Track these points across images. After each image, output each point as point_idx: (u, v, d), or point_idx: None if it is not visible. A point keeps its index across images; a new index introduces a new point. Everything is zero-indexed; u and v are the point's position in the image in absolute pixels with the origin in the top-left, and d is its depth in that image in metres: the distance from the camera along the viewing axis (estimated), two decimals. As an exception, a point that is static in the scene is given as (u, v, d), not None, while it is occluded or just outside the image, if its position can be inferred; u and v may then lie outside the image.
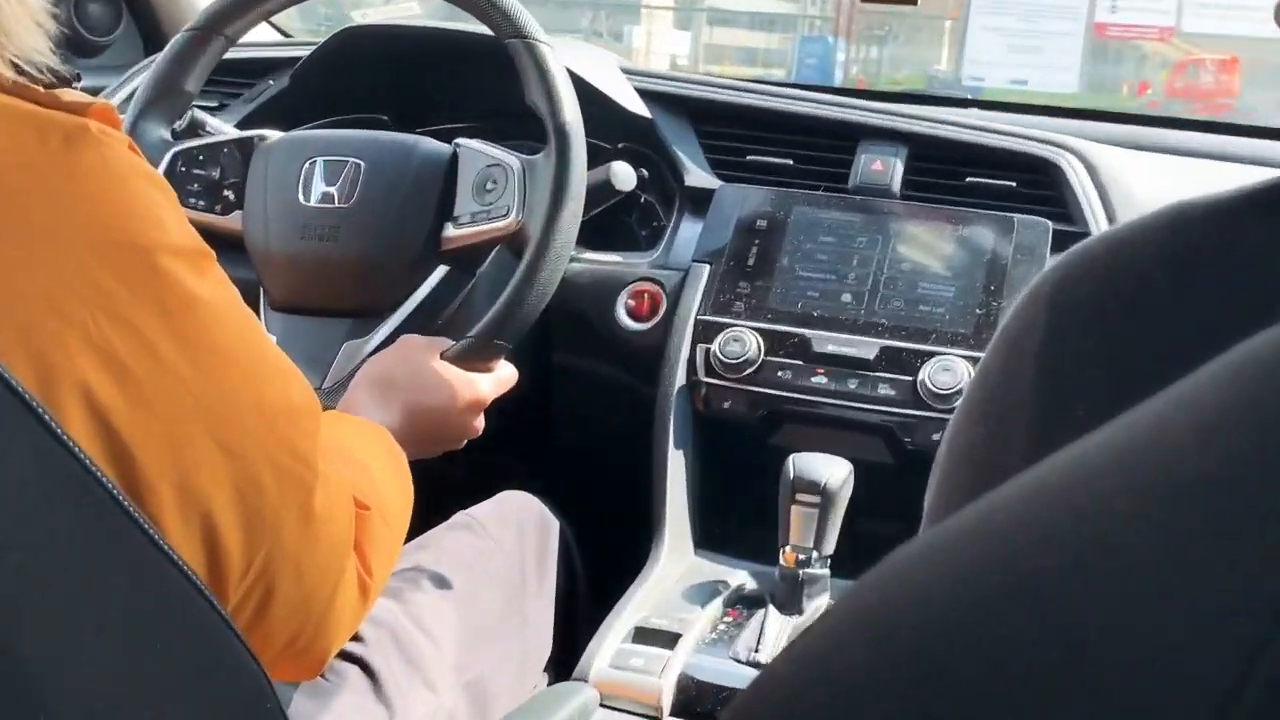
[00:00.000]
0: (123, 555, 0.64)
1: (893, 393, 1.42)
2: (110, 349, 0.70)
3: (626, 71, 1.70)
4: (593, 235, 1.55)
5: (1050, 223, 1.50)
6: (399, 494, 1.06)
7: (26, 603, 0.60)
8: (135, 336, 0.71)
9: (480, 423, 1.31)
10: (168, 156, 1.47)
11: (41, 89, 0.72)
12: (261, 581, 0.80)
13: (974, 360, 1.39)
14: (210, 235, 0.80)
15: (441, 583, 1.23)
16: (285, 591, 0.82)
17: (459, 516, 1.34)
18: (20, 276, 0.67)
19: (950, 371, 1.39)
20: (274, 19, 1.58)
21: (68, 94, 0.73)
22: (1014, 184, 1.56)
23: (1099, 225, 1.51)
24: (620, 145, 1.66)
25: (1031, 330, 0.51)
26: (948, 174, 1.59)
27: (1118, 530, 0.29)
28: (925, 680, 0.30)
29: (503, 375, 1.35)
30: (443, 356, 1.30)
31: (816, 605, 1.31)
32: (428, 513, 1.18)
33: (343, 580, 0.88)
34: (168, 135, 1.48)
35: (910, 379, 1.41)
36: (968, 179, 1.57)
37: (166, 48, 1.49)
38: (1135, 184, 1.56)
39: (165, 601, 0.67)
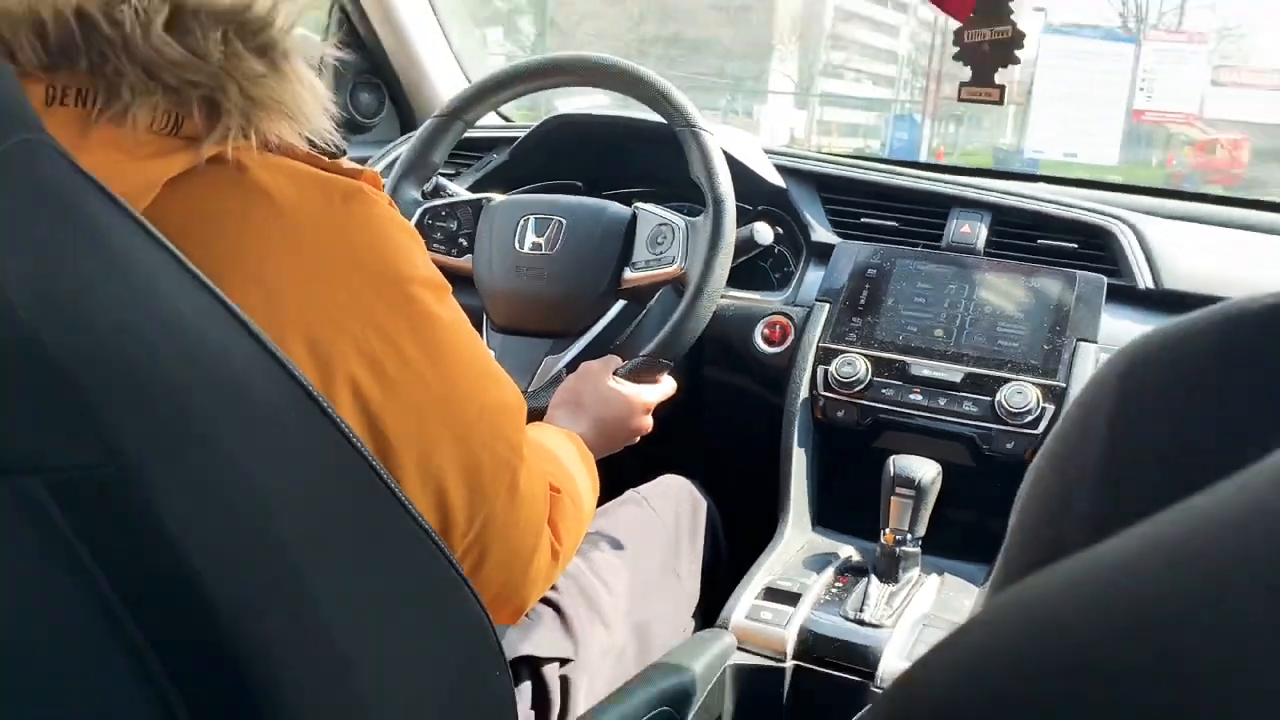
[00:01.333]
0: (379, 511, 0.64)
1: (974, 409, 1.39)
2: (373, 354, 0.70)
3: (766, 150, 1.69)
4: (738, 278, 1.53)
5: (1105, 278, 1.45)
6: (586, 484, 1.06)
7: (316, 547, 0.60)
8: (391, 345, 0.71)
9: (649, 423, 1.31)
10: (418, 212, 1.49)
11: (326, 158, 0.73)
12: (479, 543, 0.80)
13: (1041, 386, 1.36)
14: (449, 273, 0.80)
15: (616, 545, 1.24)
16: (496, 552, 0.82)
17: (630, 493, 1.34)
18: (307, 297, 0.68)
19: (1022, 394, 1.36)
20: (500, 109, 1.59)
21: (345, 163, 0.74)
22: (1076, 246, 1.53)
23: (1145, 280, 1.47)
24: (760, 208, 1.65)
25: (1102, 405, 0.49)
26: (1023, 237, 1.55)
27: (1225, 591, 0.27)
28: (1067, 698, 0.28)
29: (666, 387, 1.35)
30: (617, 373, 1.30)
31: (909, 576, 1.29)
32: (608, 490, 1.17)
33: (539, 546, 0.88)
34: (419, 196, 1.50)
35: (989, 399, 1.38)
36: (1039, 241, 1.54)
37: (420, 130, 1.51)
38: (1174, 248, 1.51)
39: (410, 551, 0.67)
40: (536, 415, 1.23)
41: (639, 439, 1.30)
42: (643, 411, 1.30)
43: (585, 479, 1.07)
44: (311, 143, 0.72)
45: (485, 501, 0.79)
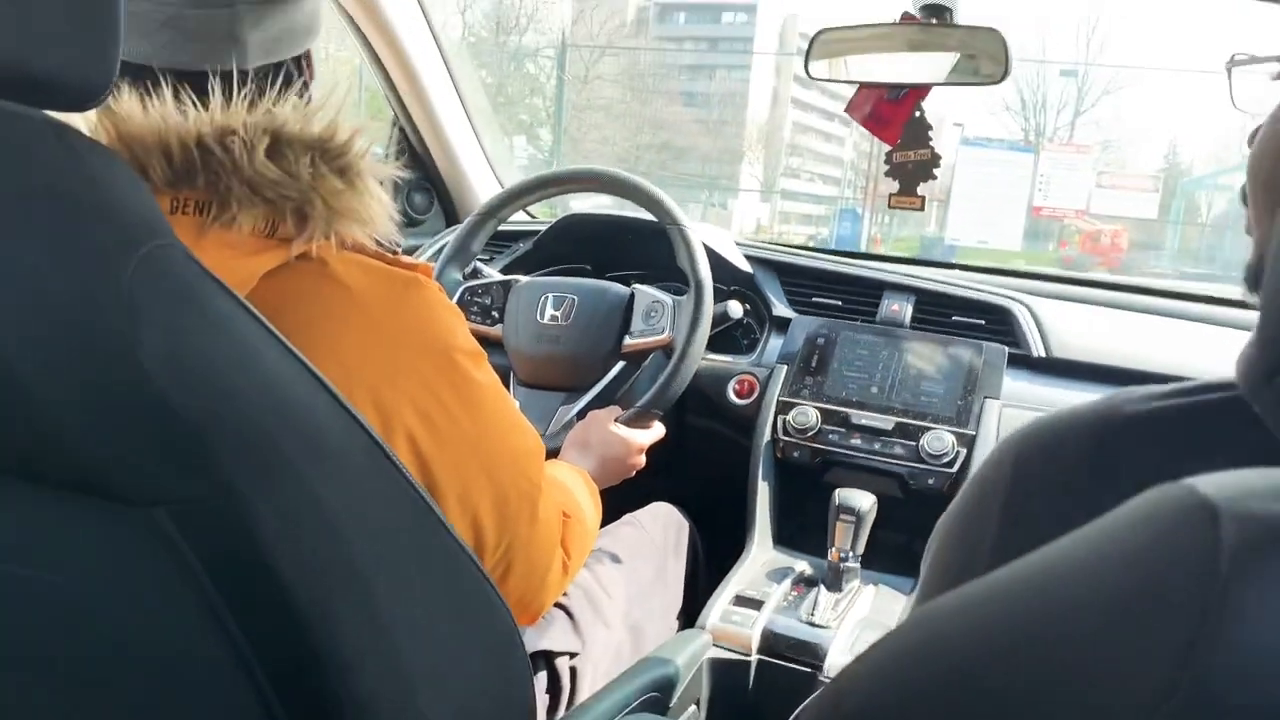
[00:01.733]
0: (428, 534, 0.65)
1: (903, 452, 1.39)
2: (425, 410, 0.71)
3: (737, 242, 1.70)
4: (714, 344, 1.54)
5: (1007, 348, 1.46)
6: (591, 509, 1.07)
7: (378, 561, 0.61)
8: (439, 403, 0.72)
9: (643, 461, 1.31)
10: (460, 290, 1.50)
11: (389, 254, 0.74)
12: (505, 559, 0.81)
13: (956, 434, 1.37)
14: (483, 339, 0.82)
15: (615, 559, 1.23)
16: (518, 566, 0.83)
17: (627, 517, 1.33)
18: (373, 364, 0.69)
19: (940, 440, 1.36)
20: (525, 208, 1.61)
21: (404, 258, 0.76)
22: (983, 321, 1.53)
23: (1039, 350, 1.47)
24: (732, 288, 1.65)
25: (998, 489, 0.49)
26: (941, 314, 1.56)
27: (1065, 613, 0.29)
28: (961, 689, 0.30)
29: (657, 431, 1.35)
30: (618, 420, 1.31)
31: (851, 586, 1.28)
32: (609, 514, 1.18)
33: (554, 562, 0.89)
34: (460, 277, 1.52)
35: (914, 443, 1.39)
36: (953, 317, 1.55)
37: (462, 225, 1.53)
38: (1062, 324, 1.52)
39: (452, 565, 0.67)
40: (553, 453, 1.24)
41: (635, 473, 1.31)
42: (638, 452, 1.31)
43: (591, 507, 1.07)
44: (378, 242, 0.74)
45: (511, 526, 0.80)
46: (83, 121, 0.67)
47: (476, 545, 0.77)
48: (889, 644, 0.34)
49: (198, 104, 0.68)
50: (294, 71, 0.77)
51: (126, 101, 0.67)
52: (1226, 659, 0.24)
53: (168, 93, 0.68)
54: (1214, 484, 0.27)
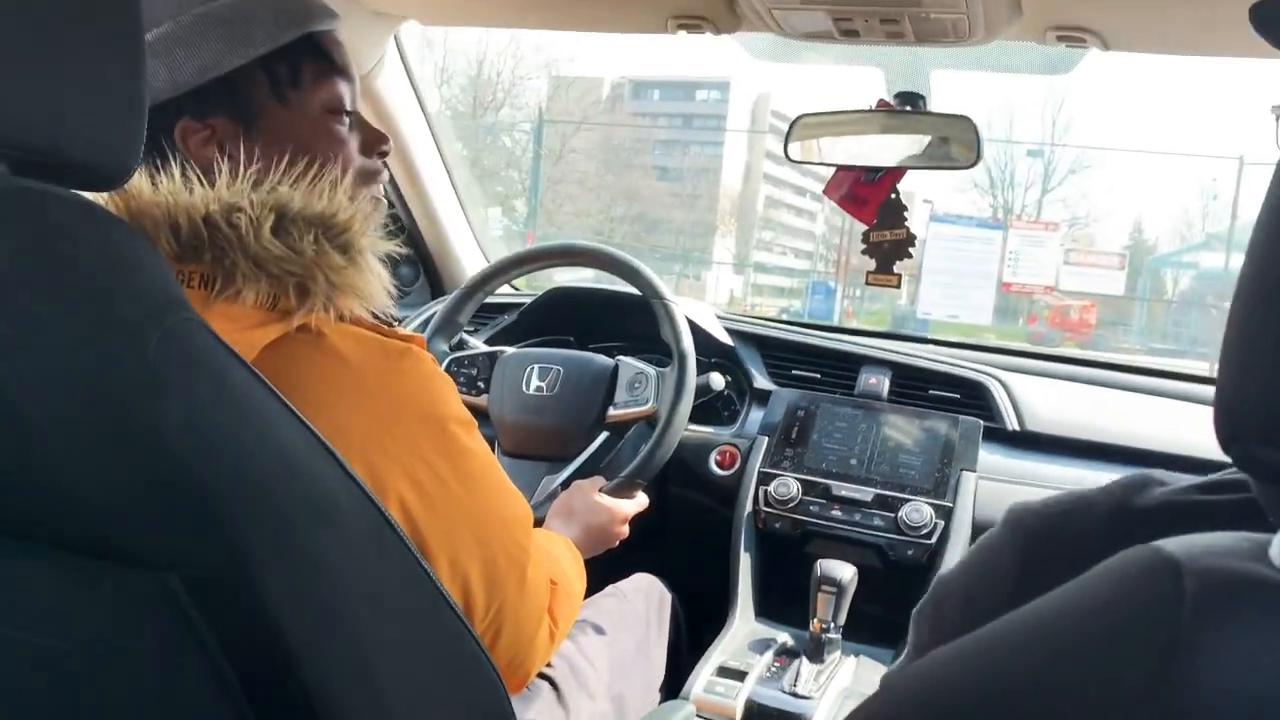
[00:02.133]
0: (428, 603, 0.66)
1: (882, 524, 1.41)
2: (417, 477, 0.73)
3: (718, 316, 1.73)
4: (696, 416, 1.55)
5: (982, 422, 1.49)
6: (576, 578, 1.07)
7: (378, 626, 0.62)
8: (432, 470, 0.74)
9: (626, 530, 1.32)
10: (446, 361, 1.52)
11: (385, 325, 0.77)
12: (495, 623, 0.82)
13: (934, 505, 1.39)
14: (469, 409, 0.83)
15: (599, 630, 1.23)
16: (508, 630, 0.83)
17: (610, 588, 1.33)
18: (368, 432, 0.71)
19: (919, 512, 1.39)
20: (511, 282, 1.64)
21: (399, 329, 0.78)
22: (959, 396, 1.56)
23: (1013, 424, 1.51)
24: (714, 360, 1.67)
25: (1008, 570, 0.51)
26: (917, 388, 1.59)
27: (1047, 662, 0.31)
28: None
29: (640, 502, 1.36)
30: (602, 490, 1.32)
31: (833, 657, 1.29)
32: (593, 584, 1.18)
33: (540, 628, 0.89)
34: (447, 349, 1.53)
35: (893, 515, 1.40)
36: (930, 391, 1.58)
37: (449, 298, 1.56)
38: (1035, 398, 1.56)
39: (446, 630, 0.68)
40: (537, 523, 1.25)
41: (618, 544, 1.32)
42: (622, 521, 1.31)
43: (576, 575, 1.08)
44: (374, 314, 0.76)
45: (500, 591, 0.80)
46: (94, 196, 0.70)
47: (467, 609, 0.78)
48: (890, 692, 0.37)
49: (203, 181, 0.71)
50: (297, 152, 0.80)
51: (136, 178, 0.70)
52: (1190, 698, 0.27)
53: (175, 169, 0.71)
54: (1177, 544, 0.30)
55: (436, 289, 1.92)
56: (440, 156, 1.80)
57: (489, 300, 1.60)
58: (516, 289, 1.91)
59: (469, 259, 1.95)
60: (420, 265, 1.92)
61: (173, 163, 0.72)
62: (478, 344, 1.59)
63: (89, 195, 0.58)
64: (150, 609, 0.55)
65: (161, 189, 0.71)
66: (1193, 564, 0.29)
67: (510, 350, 1.55)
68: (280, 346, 0.71)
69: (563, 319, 1.75)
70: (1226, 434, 0.32)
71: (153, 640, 0.56)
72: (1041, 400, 1.55)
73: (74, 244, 0.54)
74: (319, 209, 0.73)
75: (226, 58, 0.79)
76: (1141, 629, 0.29)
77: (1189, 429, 1.42)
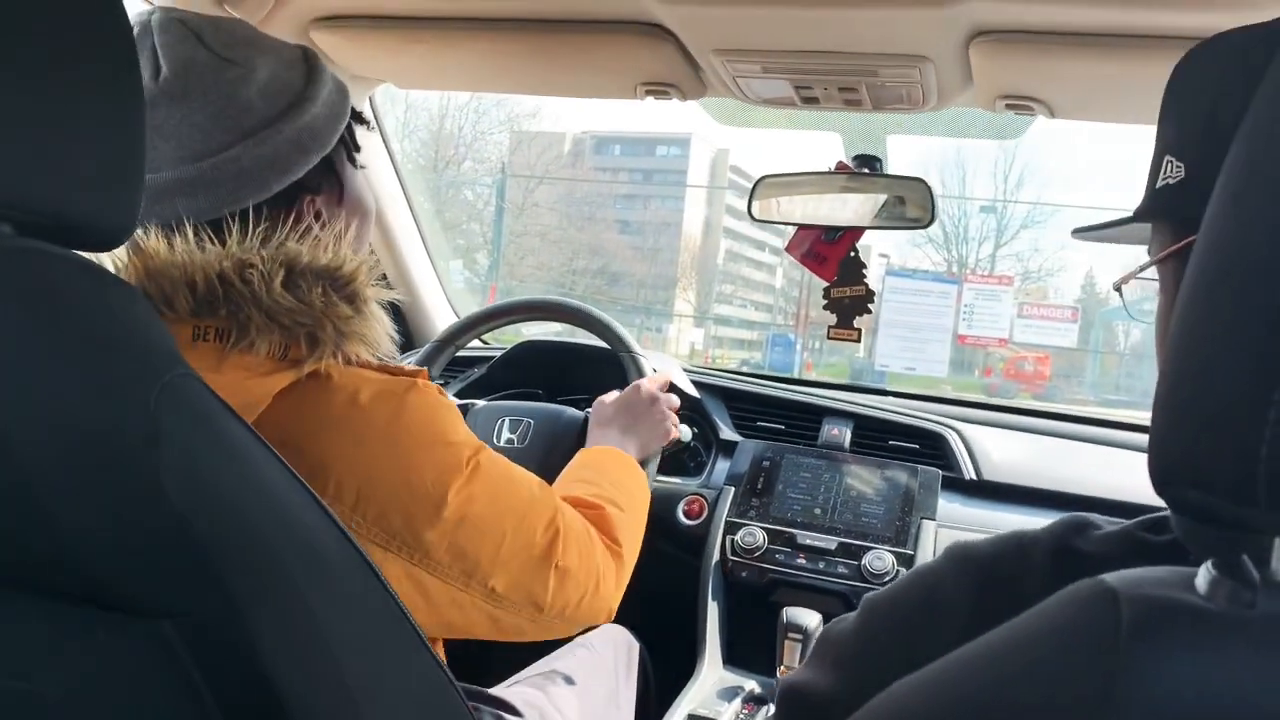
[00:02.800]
0: (410, 652, 0.68)
1: (845, 571, 1.43)
2: (438, 498, 0.78)
3: (685, 369, 1.75)
4: (664, 466, 1.57)
5: (941, 471, 1.53)
6: (630, 484, 1.12)
7: (365, 678, 0.63)
8: (458, 491, 0.79)
9: (668, 411, 1.32)
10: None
11: (392, 365, 0.81)
12: (559, 597, 0.89)
13: (895, 553, 1.42)
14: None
15: (569, 680, 1.24)
16: (571, 578, 0.89)
17: (579, 639, 1.35)
18: (385, 462, 0.75)
19: (881, 560, 1.41)
20: (482, 336, 1.66)
21: (403, 366, 0.82)
22: (918, 446, 1.60)
23: (970, 473, 1.55)
24: (681, 412, 1.69)
25: (957, 608, 0.55)
26: (878, 438, 1.62)
27: (1000, 685, 0.35)
28: None
29: (662, 379, 1.39)
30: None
31: (800, 704, 1.31)
32: (561, 639, 1.19)
33: (597, 566, 0.94)
34: (418, 402, 1.54)
35: (856, 563, 1.43)
36: (890, 442, 1.62)
37: (420, 352, 1.57)
38: (992, 448, 1.60)
39: (434, 685, 0.70)
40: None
41: (673, 435, 1.32)
42: (653, 399, 1.31)
43: (626, 480, 1.12)
44: (380, 358, 0.81)
45: (540, 587, 0.87)
46: (110, 259, 0.72)
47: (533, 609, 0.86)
48: (867, 714, 0.40)
49: (215, 240, 0.74)
50: (303, 209, 0.84)
51: (153, 240, 0.73)
52: (1130, 711, 0.30)
53: (189, 231, 0.74)
54: (1116, 576, 0.34)
55: (410, 343, 1.94)
56: (412, 213, 1.84)
57: (459, 354, 1.61)
58: (485, 343, 1.93)
59: (439, 313, 1.97)
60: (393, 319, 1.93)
61: (187, 225, 0.76)
62: (449, 397, 1.59)
63: (89, 255, 0.60)
64: (143, 655, 0.57)
65: (177, 249, 0.75)
66: (1128, 593, 0.33)
67: (481, 403, 1.56)
68: (293, 392, 0.74)
69: (532, 372, 1.76)
70: (1159, 479, 0.35)
71: (145, 686, 0.57)
72: (997, 450, 1.59)
73: (75, 301, 0.56)
74: (325, 262, 0.77)
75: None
76: (1085, 650, 0.32)
77: (1138, 476, 1.46)
